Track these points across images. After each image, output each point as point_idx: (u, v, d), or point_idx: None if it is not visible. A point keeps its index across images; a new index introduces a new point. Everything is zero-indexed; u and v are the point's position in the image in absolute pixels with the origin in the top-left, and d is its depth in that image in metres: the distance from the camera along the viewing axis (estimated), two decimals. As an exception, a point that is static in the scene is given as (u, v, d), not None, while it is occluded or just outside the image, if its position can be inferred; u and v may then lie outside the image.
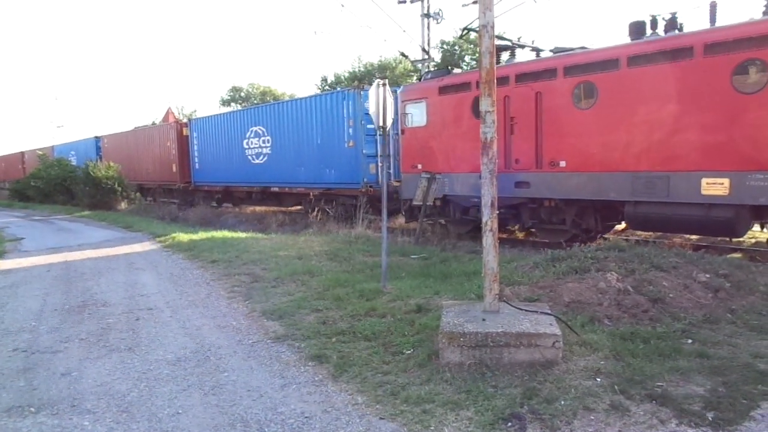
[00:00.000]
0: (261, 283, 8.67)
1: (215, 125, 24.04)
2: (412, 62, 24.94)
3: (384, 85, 7.87)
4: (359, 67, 43.11)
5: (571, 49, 11.44)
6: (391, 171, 16.84)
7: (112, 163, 28.70)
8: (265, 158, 20.72)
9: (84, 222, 21.35)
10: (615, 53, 10.18)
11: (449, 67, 14.04)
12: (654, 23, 10.20)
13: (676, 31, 9.92)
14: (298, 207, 20.32)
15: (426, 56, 21.83)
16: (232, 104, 54.60)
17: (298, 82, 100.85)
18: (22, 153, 46.26)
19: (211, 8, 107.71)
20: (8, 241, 15.68)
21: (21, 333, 6.70)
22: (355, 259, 10.15)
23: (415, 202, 14.32)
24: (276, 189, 20.56)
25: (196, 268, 10.28)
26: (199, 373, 5.21)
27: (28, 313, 7.66)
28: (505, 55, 12.88)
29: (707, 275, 6.70)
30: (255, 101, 51.47)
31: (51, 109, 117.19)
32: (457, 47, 35.37)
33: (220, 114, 26.39)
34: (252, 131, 21.32)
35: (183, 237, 13.68)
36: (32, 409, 4.57)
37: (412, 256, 10.69)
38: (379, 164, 15.77)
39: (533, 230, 12.77)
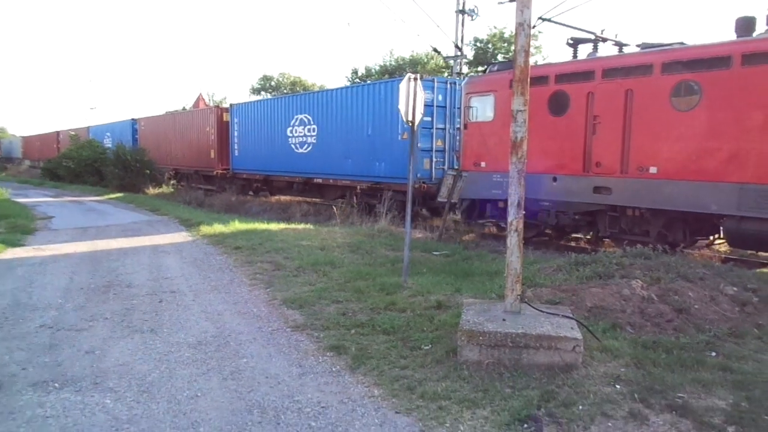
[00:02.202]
0: (283, 271, 8.74)
1: (258, 111, 23.41)
2: (444, 58, 24.83)
3: (415, 79, 7.85)
4: (390, 60, 43.10)
5: (662, 45, 10.43)
6: (445, 167, 16.24)
7: (143, 148, 29.07)
8: (310, 147, 20.09)
9: (112, 204, 21.72)
10: (727, 50, 9.13)
11: None
12: None
13: None
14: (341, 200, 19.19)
15: (458, 53, 21.69)
16: (262, 93, 55.02)
17: (329, 74, 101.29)
18: (57, 133, 47.11)
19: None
20: (39, 219, 16.02)
21: (48, 310, 6.86)
22: (377, 253, 10.17)
23: (439, 199, 14.23)
24: (319, 180, 19.82)
25: (220, 254, 10.39)
26: (219, 357, 5.27)
27: (55, 290, 7.83)
28: (585, 49, 12.13)
29: (735, 288, 6.56)
30: (285, 91, 51.74)
31: (85, 90, 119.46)
32: (490, 45, 35.12)
33: (264, 100, 25.77)
34: (297, 119, 20.69)
35: (209, 229, 13.52)
36: (56, 385, 4.68)
37: (434, 253, 10.67)
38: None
39: (608, 240, 11.82)
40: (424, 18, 62.37)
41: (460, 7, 21.16)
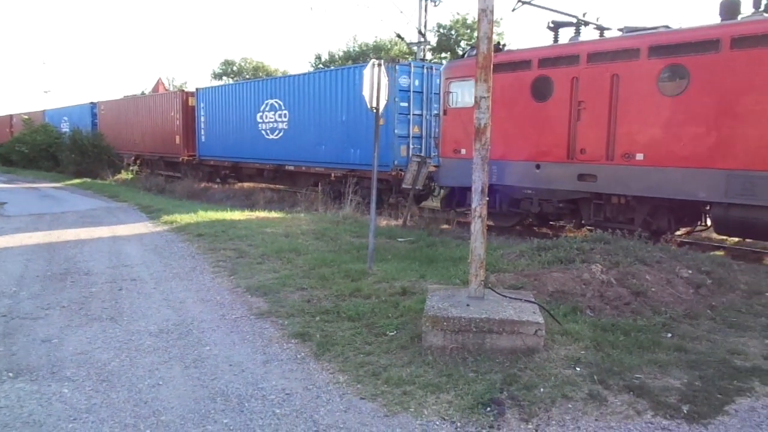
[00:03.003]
0: (246, 258, 8.64)
1: (225, 96, 22.68)
2: (408, 44, 24.81)
3: (379, 65, 7.80)
4: (354, 46, 42.81)
5: (645, 29, 10.27)
6: (423, 153, 15.86)
7: (101, 133, 28.30)
8: (281, 134, 19.43)
9: (69, 190, 21.12)
10: (715, 33, 8.99)
11: (500, 44, 12.90)
12: (757, 2, 9.16)
13: None
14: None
15: (422, 39, 21.69)
16: (224, 78, 54.07)
17: (292, 59, 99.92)
18: (10, 116, 45.38)
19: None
20: (-9, 205, 15.49)
21: (1, 298, 6.64)
22: (342, 240, 10.14)
23: (404, 185, 14.21)
24: (291, 168, 19.20)
25: (182, 241, 10.21)
26: (181, 345, 5.20)
27: (9, 278, 7.59)
28: (566, 33, 11.89)
29: (690, 271, 6.77)
30: (247, 76, 50.94)
31: (39, 73, 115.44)
32: (453, 31, 35.19)
33: (232, 84, 24.98)
34: (267, 104, 20.06)
35: (170, 216, 13.45)
36: (10, 375, 4.54)
37: (399, 239, 10.70)
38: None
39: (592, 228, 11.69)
40: (388, 3, 62.15)
41: (425, -7, 21.14)
